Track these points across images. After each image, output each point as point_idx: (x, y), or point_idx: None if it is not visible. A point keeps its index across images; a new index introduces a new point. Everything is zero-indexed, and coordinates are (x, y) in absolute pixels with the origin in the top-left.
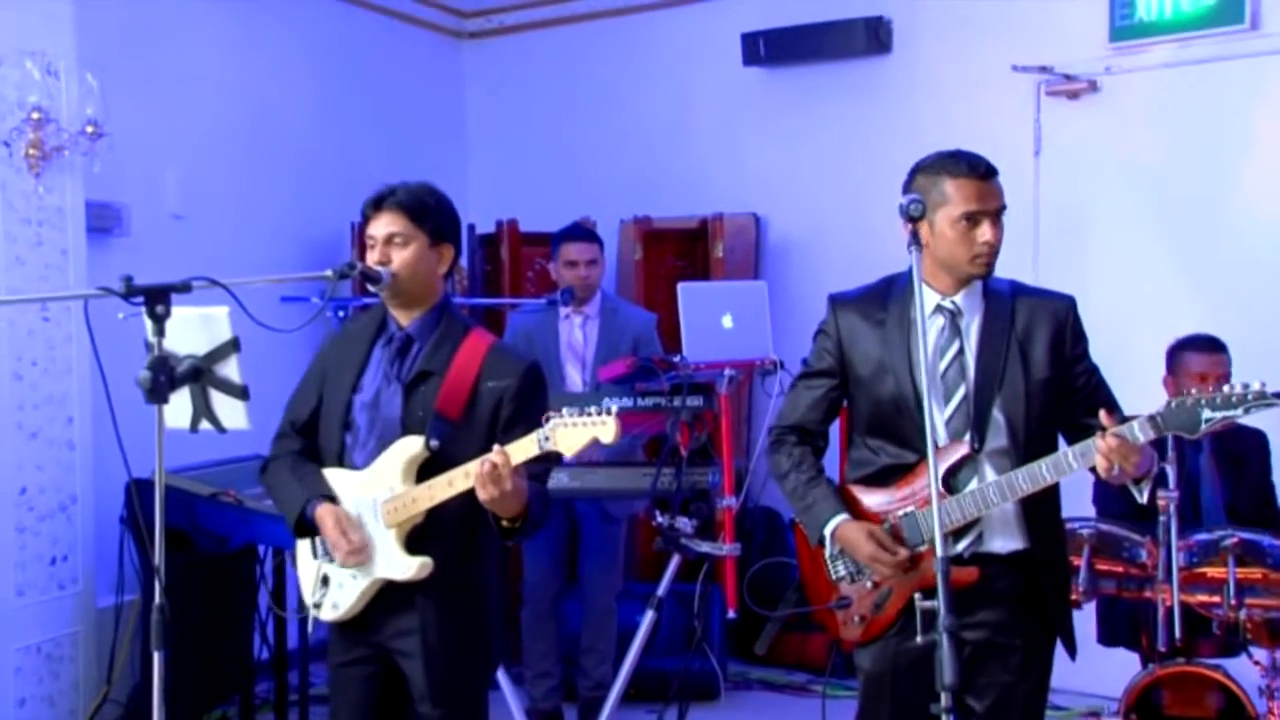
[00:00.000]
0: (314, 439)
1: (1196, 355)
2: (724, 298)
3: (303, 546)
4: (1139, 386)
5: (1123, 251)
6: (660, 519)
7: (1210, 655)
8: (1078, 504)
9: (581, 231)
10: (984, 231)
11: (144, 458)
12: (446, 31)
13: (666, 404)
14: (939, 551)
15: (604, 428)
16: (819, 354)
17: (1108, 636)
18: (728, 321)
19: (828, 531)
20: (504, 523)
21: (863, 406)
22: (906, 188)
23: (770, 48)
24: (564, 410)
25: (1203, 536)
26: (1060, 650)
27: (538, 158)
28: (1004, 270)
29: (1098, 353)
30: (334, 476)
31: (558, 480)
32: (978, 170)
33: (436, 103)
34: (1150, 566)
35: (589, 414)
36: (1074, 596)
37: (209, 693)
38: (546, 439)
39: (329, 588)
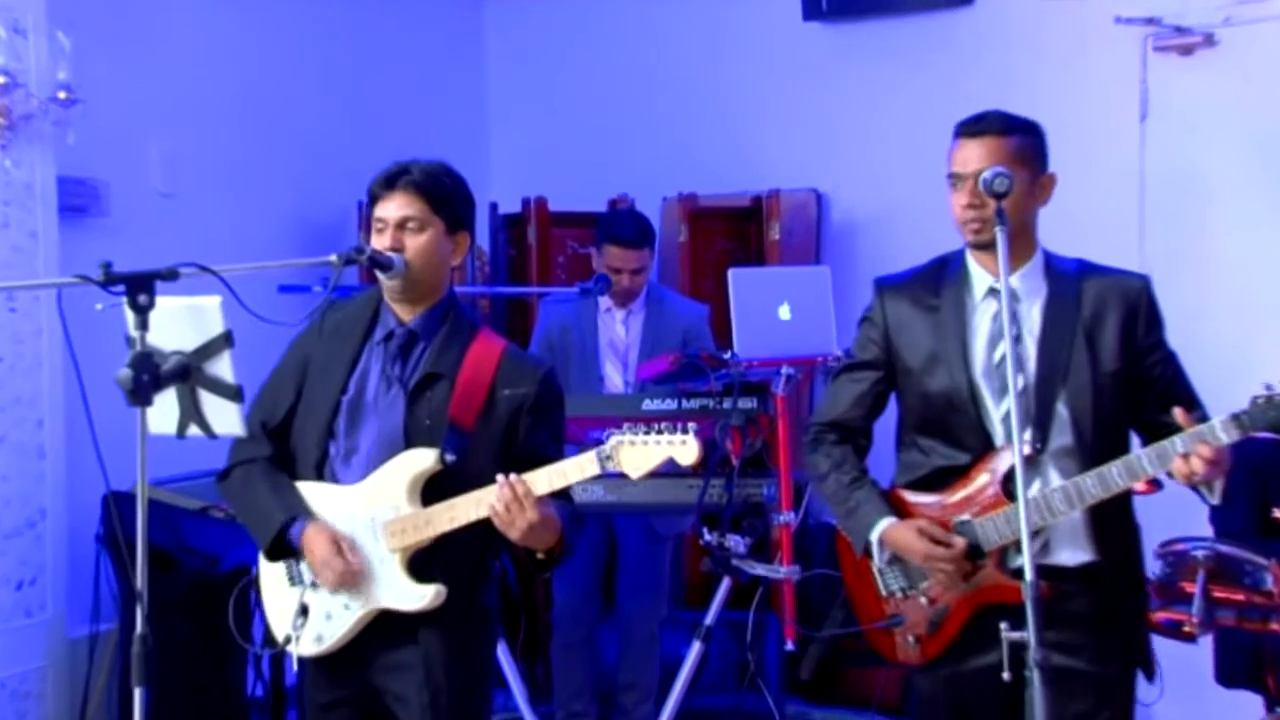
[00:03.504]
0: (284, 444)
1: None
2: (781, 285)
3: (273, 572)
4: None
5: (1245, 229)
6: (708, 537)
7: None
8: (1192, 522)
9: (629, 232)
10: (957, 198)
11: (124, 467)
12: None
13: (715, 406)
14: (1028, 571)
15: (683, 448)
16: (863, 343)
17: (1227, 675)
18: (785, 312)
19: (874, 537)
20: (539, 554)
21: (913, 402)
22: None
23: (834, 0)
24: (628, 427)
25: None
26: (1180, 689)
27: (568, 128)
28: (1106, 253)
29: (1216, 344)
30: (312, 492)
31: (591, 493)
32: (959, 128)
33: (454, 67)
34: (1276, 594)
35: (663, 432)
36: (1186, 629)
37: None
38: (608, 458)
39: (308, 618)
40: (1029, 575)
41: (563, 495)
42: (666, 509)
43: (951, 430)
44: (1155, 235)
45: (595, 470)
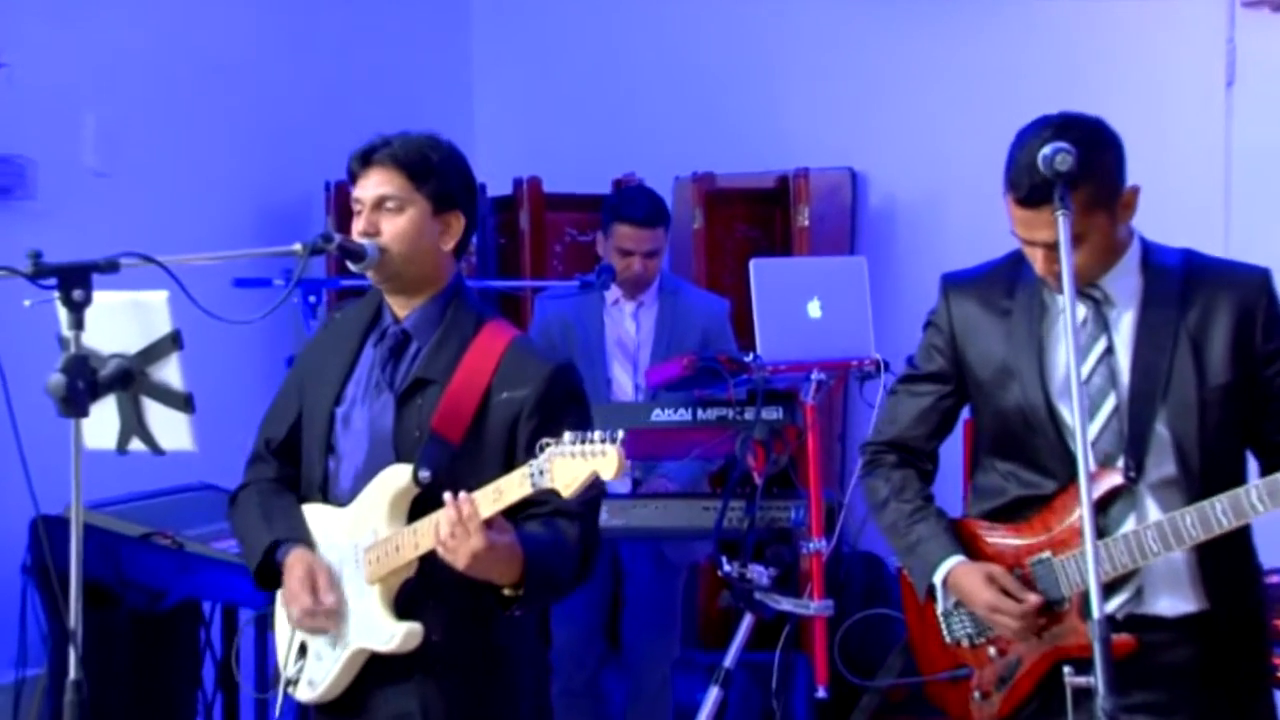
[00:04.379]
0: (294, 464)
1: None
2: (810, 278)
3: (279, 605)
4: None
5: None
6: (728, 567)
7: None
8: None
9: (642, 209)
10: (1031, 253)
11: (56, 488)
12: None
13: (735, 417)
14: (1095, 609)
15: (603, 459)
16: (927, 351)
17: None
18: (815, 309)
19: (939, 579)
20: (504, 591)
21: (986, 420)
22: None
23: None
24: (566, 435)
25: None
26: None
27: (566, 97)
28: (1188, 236)
29: None
30: (315, 515)
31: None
32: (1010, 191)
33: (434, 27)
34: None
35: (590, 441)
36: None
37: None
38: (542, 473)
39: (307, 659)
40: (1095, 611)
41: (556, 517)
42: (679, 534)
43: (1033, 453)
44: (1242, 216)
45: (526, 490)
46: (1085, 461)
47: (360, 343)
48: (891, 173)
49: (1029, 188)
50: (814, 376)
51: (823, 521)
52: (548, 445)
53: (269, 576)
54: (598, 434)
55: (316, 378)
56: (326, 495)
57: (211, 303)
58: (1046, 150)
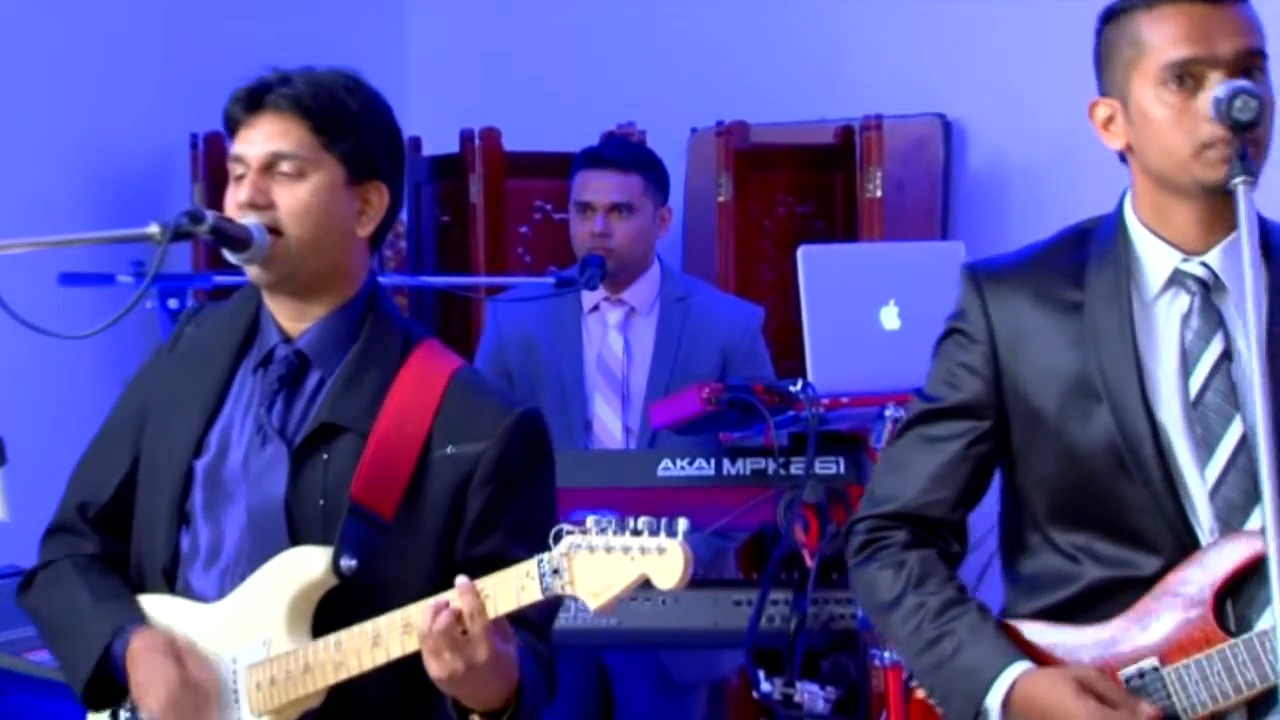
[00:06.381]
0: (123, 538)
1: None
2: (885, 273)
3: None
4: None
5: None
6: (767, 686)
7: None
8: None
9: (613, 150)
10: (1213, 87)
11: None
12: None
13: (777, 471)
14: None
15: (656, 561)
16: (948, 374)
17: None
18: (891, 317)
19: (995, 699)
20: (474, 717)
21: (1045, 470)
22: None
23: None
24: (591, 521)
25: None
26: None
27: (536, 18)
28: None
29: None
30: (164, 612)
31: (577, 616)
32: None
33: None
34: None
35: (637, 532)
36: None
37: None
38: (556, 574)
39: None
40: None
41: (536, 629)
42: (694, 641)
43: (1122, 513)
44: None
45: (535, 596)
46: (1272, 454)
47: (231, 367)
48: (1000, 121)
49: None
50: (889, 413)
51: None
52: (568, 533)
53: (104, 691)
54: (643, 520)
55: (163, 416)
56: (176, 585)
57: (31, 309)
58: (1220, 91)
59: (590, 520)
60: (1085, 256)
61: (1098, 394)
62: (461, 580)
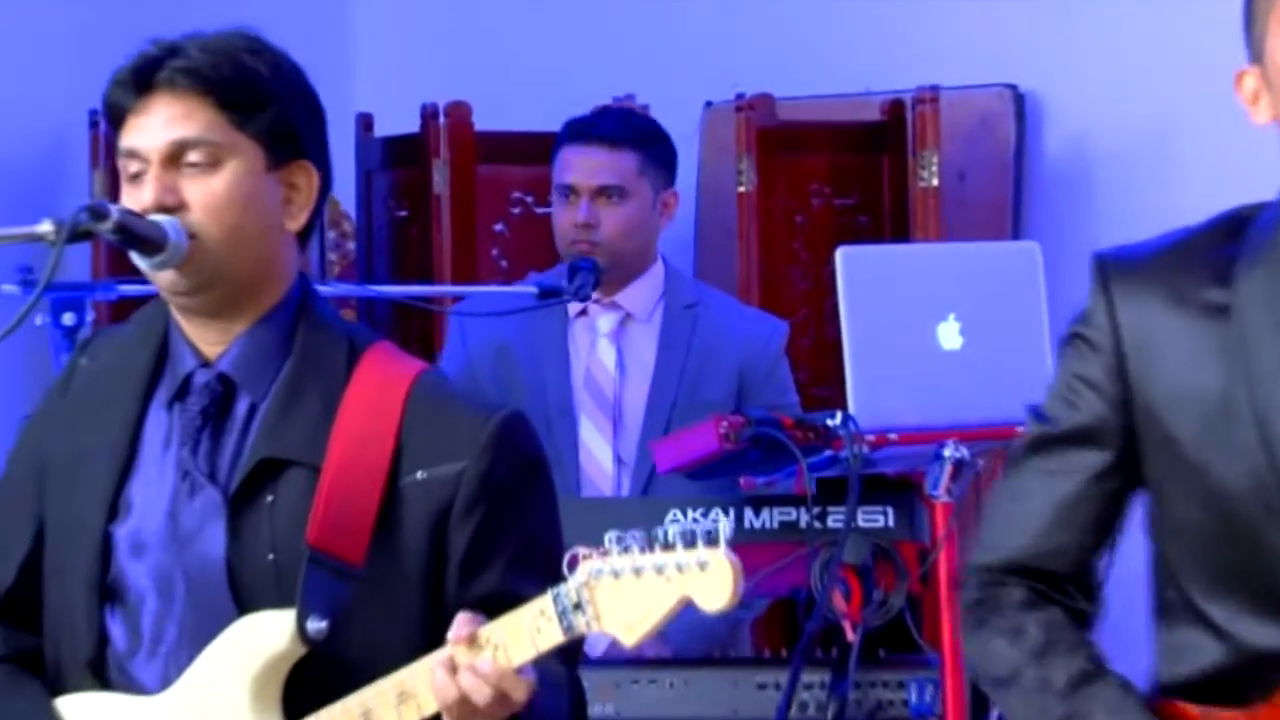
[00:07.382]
0: (35, 629)
1: None
2: (943, 279)
3: None
4: None
5: None
6: None
7: None
8: None
9: (603, 123)
10: None
11: None
12: None
13: (810, 524)
14: None
15: (698, 579)
16: (1067, 388)
17: None
18: (950, 335)
19: None
20: None
21: (1179, 512)
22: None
23: None
24: (611, 538)
25: None
26: None
27: None
28: None
29: None
30: (86, 712)
31: None
32: None
33: None
34: None
35: (669, 546)
36: None
37: None
38: (578, 608)
39: None
40: None
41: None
42: None
43: (1272, 573)
44: None
45: (557, 638)
46: None
47: (140, 405)
48: (1083, 96)
49: None
50: (949, 453)
51: (966, 707)
52: (585, 558)
53: None
54: (674, 530)
55: (64, 476)
56: (105, 678)
57: None
58: None
59: (609, 538)
60: (1237, 251)
61: (1244, 420)
62: (462, 616)
